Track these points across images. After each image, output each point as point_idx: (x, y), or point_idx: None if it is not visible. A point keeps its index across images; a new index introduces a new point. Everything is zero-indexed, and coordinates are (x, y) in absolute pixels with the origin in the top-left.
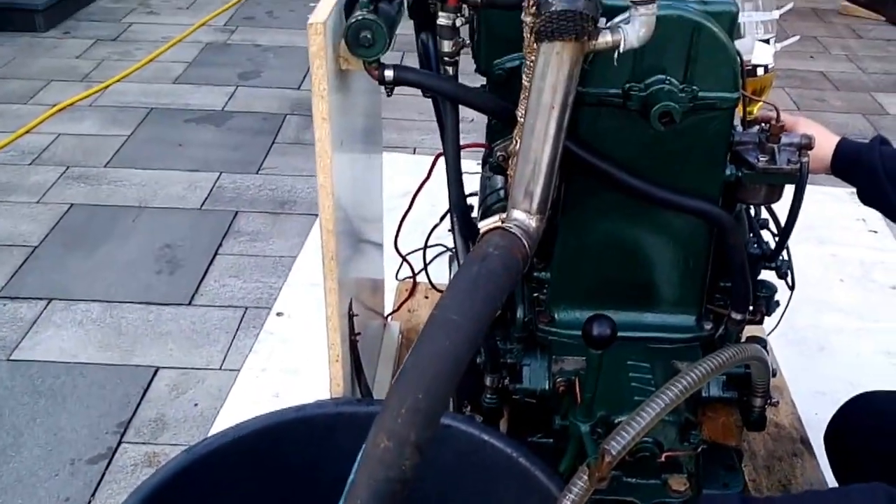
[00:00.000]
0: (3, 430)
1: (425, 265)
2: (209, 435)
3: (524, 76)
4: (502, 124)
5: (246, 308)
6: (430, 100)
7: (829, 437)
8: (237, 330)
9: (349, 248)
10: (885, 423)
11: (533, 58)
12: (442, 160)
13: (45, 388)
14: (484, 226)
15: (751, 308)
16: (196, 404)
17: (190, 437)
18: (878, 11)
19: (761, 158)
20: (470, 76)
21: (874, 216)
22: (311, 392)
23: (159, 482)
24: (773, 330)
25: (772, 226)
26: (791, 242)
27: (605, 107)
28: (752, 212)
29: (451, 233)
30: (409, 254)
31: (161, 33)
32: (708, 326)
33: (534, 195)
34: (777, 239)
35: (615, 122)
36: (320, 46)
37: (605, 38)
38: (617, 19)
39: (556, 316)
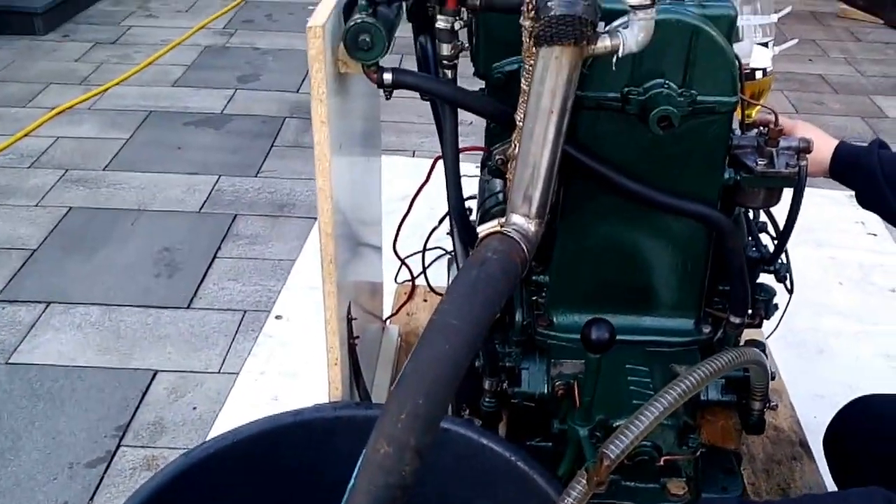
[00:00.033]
0: (2, 434)
1: (424, 268)
2: (208, 438)
3: (523, 80)
4: (501, 128)
5: (245, 311)
6: (429, 103)
7: (827, 441)
8: (236, 333)
9: (348, 252)
10: (884, 426)
11: (532, 62)
12: (441, 163)
13: (44, 391)
14: (482, 230)
15: (749, 311)
16: (195, 408)
17: (188, 441)
18: (876, 14)
19: (760, 162)
20: (469, 79)
21: (873, 219)
22: (309, 395)
23: (158, 486)
24: (771, 333)
25: (770, 229)
26: (790, 245)
27: (604, 111)
28: (751, 215)
29: (449, 236)
30: (407, 257)
31: (160, 36)
32: (707, 330)
33: (532, 199)
34: (776, 242)
35: (614, 125)
36: (319, 50)
37: (604, 43)
38: (616, 24)
39: (554, 319)
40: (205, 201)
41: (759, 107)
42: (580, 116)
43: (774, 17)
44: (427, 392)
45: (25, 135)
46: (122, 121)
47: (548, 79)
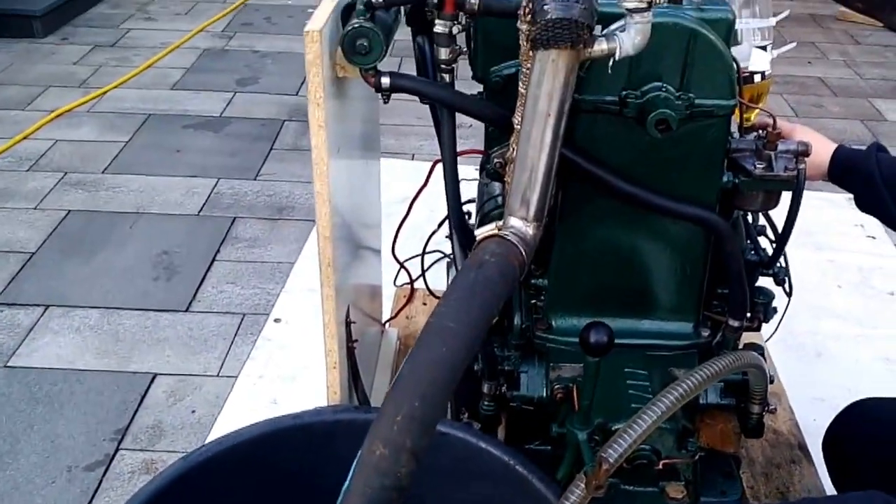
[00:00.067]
0: (0, 438)
1: (423, 271)
2: (206, 442)
3: (520, 83)
4: (499, 131)
5: (244, 314)
6: (428, 106)
7: (827, 444)
8: (235, 336)
9: (347, 255)
10: (883, 430)
11: (529, 65)
12: (440, 167)
13: (43, 394)
14: (481, 233)
15: (748, 315)
16: (193, 411)
17: (187, 444)
18: (875, 17)
19: (758, 165)
20: (467, 83)
21: (872, 222)
22: (308, 399)
23: (156, 489)
24: (770, 336)
25: (769, 232)
26: (789, 248)
27: (602, 114)
28: (750, 218)
29: (448, 239)
30: (406, 260)
31: (159, 39)
32: (705, 333)
33: (530, 203)
34: (774, 245)
35: (611, 129)
36: (317, 54)
37: (601, 46)
38: (612, 27)
39: (553, 323)
40: (204, 204)
41: (757, 110)
42: (578, 120)
43: (773, 21)
44: (423, 394)
45: (24, 138)
46: (120, 124)
47: (545, 82)
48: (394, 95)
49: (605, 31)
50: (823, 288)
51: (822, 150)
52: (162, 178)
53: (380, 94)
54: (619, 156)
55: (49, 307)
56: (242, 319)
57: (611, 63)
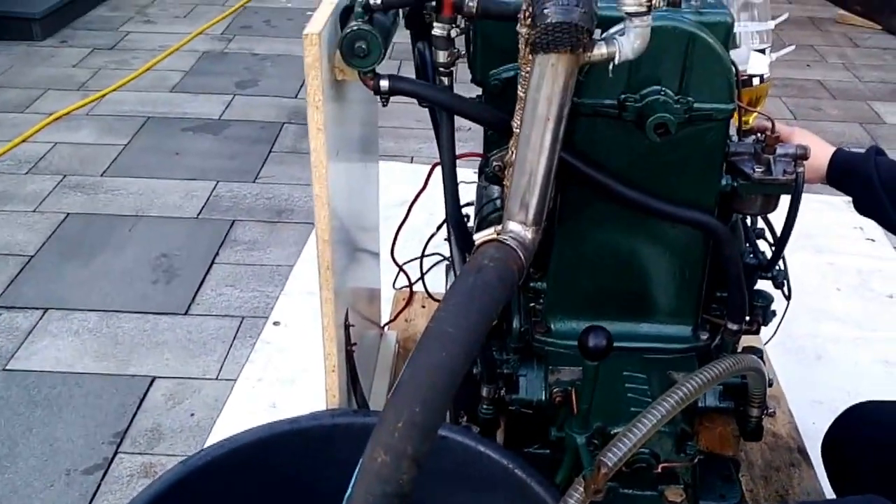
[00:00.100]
0: None
1: (422, 274)
2: (205, 446)
3: (520, 87)
4: (498, 135)
5: (243, 317)
6: (427, 109)
7: (826, 447)
8: (234, 339)
9: (345, 258)
10: (882, 433)
11: (528, 69)
12: (438, 170)
13: (41, 398)
14: (479, 237)
15: (747, 318)
16: (192, 414)
17: (186, 448)
18: (874, 20)
19: (757, 169)
20: (466, 86)
21: (872, 224)
22: (307, 402)
23: (155, 493)
24: (770, 339)
25: (768, 235)
26: (788, 251)
27: (601, 118)
28: (748, 222)
29: (447, 242)
30: (405, 263)
31: (158, 42)
32: (704, 337)
33: (529, 206)
34: (773, 248)
35: (611, 132)
36: (315, 57)
37: (601, 50)
38: (612, 31)
39: (552, 326)
40: (203, 207)
41: (756, 113)
42: (577, 123)
43: (771, 24)
44: (424, 400)
45: (23, 140)
46: (119, 126)
47: (544, 86)
48: (393, 98)
49: (604, 35)
50: (823, 291)
51: (821, 154)
52: (161, 181)
53: (378, 97)
54: (618, 159)
55: (48, 310)
56: (241, 322)
57: (610, 67)
